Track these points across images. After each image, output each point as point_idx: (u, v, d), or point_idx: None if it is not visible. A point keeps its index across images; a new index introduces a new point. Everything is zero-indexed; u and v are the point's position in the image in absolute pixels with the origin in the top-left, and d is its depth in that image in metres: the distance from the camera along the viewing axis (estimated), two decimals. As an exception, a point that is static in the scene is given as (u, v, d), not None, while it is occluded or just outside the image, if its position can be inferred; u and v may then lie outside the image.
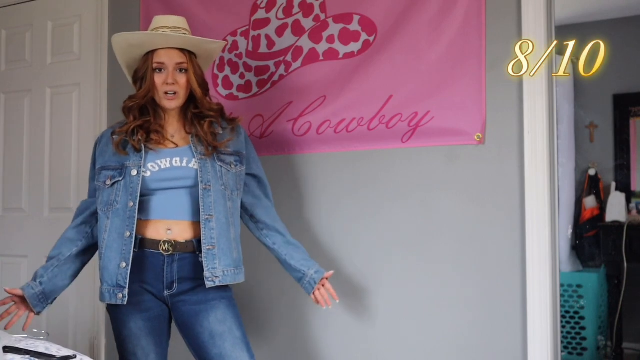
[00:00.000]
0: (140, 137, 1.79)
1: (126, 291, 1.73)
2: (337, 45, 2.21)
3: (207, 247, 1.75)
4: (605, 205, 3.74)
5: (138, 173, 1.76)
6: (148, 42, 1.79)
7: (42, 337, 1.58)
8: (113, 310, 1.82)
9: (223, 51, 2.39)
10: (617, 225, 3.61)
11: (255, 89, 2.36)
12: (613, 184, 3.80)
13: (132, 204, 1.74)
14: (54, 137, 2.87)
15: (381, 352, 2.14)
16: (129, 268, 1.73)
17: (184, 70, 1.80)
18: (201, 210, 1.75)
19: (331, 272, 1.92)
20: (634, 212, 3.73)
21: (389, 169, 2.15)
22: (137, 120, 1.81)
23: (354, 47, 2.18)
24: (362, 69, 2.16)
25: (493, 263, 1.98)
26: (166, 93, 1.78)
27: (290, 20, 2.30)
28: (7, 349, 1.44)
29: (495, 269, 1.98)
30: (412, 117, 2.08)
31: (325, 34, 2.23)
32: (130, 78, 1.91)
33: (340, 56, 2.20)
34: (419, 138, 2.08)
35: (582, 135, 3.94)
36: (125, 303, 1.73)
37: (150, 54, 1.79)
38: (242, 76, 2.39)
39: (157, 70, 1.78)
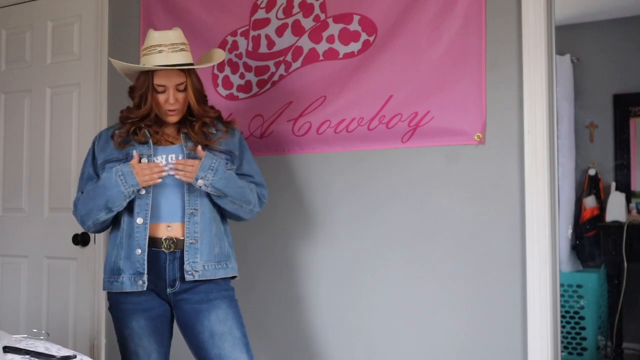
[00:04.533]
0: (142, 135, 1.82)
1: (145, 277, 1.75)
2: (337, 45, 2.20)
3: (190, 241, 1.77)
4: (605, 205, 3.74)
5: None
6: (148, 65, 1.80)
7: (42, 337, 1.58)
8: (115, 310, 1.82)
9: (223, 51, 2.39)
10: (617, 225, 3.62)
11: (255, 89, 2.36)
12: (613, 184, 3.80)
13: (144, 191, 1.77)
14: (54, 137, 2.87)
15: (381, 352, 2.14)
16: (145, 254, 1.75)
17: (183, 90, 1.82)
18: (186, 204, 1.78)
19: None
20: (634, 212, 3.74)
21: (389, 169, 2.14)
22: (138, 123, 1.83)
23: (354, 47, 2.18)
24: (362, 69, 2.16)
25: (493, 263, 1.98)
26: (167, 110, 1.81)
27: (290, 20, 2.30)
28: (7, 349, 1.44)
29: (495, 269, 1.98)
30: (412, 117, 2.08)
31: (325, 34, 2.23)
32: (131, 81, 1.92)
33: (340, 56, 2.20)
34: (419, 138, 2.08)
35: (582, 135, 3.95)
36: (145, 289, 1.75)
37: (150, 73, 1.80)
38: (242, 76, 2.39)
39: (159, 92, 1.80)
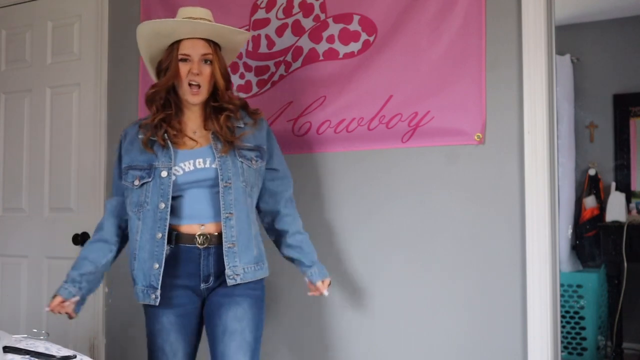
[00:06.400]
0: (165, 134, 1.78)
1: (159, 292, 1.74)
2: (337, 45, 2.21)
3: (228, 245, 1.75)
4: (605, 205, 3.74)
5: (169, 174, 1.75)
6: (176, 31, 1.77)
7: (42, 337, 1.58)
8: (147, 306, 1.82)
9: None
10: (617, 225, 3.62)
11: (255, 89, 2.36)
12: (613, 184, 3.80)
13: (163, 205, 1.74)
14: (54, 137, 2.87)
15: (381, 352, 2.14)
16: (162, 269, 1.74)
17: (208, 62, 1.79)
18: (221, 208, 1.75)
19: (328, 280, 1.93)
20: (634, 212, 3.74)
21: (389, 169, 2.15)
22: (160, 113, 1.80)
23: (354, 47, 2.18)
24: (362, 69, 2.16)
25: (493, 263, 1.98)
26: (190, 86, 1.77)
27: (290, 20, 2.30)
28: (7, 349, 1.44)
29: (495, 269, 1.98)
30: (412, 117, 2.08)
31: (325, 34, 2.23)
32: (152, 71, 1.90)
33: (340, 56, 2.20)
34: (419, 138, 2.08)
35: (582, 135, 3.95)
36: (157, 304, 1.74)
37: (176, 44, 1.78)
38: (242, 76, 2.39)
39: (183, 61, 1.77)
